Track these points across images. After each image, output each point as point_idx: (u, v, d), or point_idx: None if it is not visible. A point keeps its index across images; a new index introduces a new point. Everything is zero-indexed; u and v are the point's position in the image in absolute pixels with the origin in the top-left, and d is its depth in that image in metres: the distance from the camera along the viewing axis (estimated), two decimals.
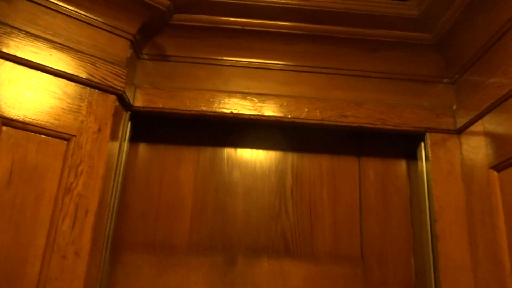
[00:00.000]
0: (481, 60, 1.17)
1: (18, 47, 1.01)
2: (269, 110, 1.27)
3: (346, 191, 1.37)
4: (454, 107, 1.30)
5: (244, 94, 1.29)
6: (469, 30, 1.18)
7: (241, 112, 1.27)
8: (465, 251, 1.16)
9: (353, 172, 1.39)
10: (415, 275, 1.29)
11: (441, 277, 1.14)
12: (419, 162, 1.31)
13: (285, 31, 1.30)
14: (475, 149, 1.17)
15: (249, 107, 1.27)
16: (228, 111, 1.26)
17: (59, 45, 1.07)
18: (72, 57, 1.08)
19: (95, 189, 1.04)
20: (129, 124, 1.27)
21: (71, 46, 1.09)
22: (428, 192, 1.25)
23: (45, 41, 1.05)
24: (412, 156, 1.36)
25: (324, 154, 1.40)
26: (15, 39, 1.01)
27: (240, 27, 1.30)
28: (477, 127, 1.17)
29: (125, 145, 1.26)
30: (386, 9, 1.24)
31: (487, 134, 1.12)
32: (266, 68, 1.33)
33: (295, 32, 1.30)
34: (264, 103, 1.28)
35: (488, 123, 1.12)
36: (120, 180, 1.23)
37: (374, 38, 1.31)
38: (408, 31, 1.29)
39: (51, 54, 1.05)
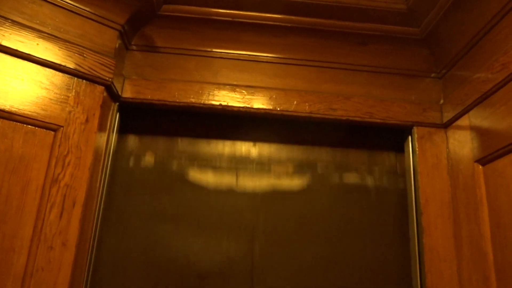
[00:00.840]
0: (468, 55, 1.19)
1: (4, 36, 0.99)
2: (258, 102, 1.27)
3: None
4: (441, 101, 1.32)
5: (233, 86, 1.29)
6: (456, 25, 1.19)
7: (230, 104, 1.27)
8: (450, 243, 1.19)
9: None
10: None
11: (426, 268, 1.17)
12: (406, 156, 1.33)
13: (274, 23, 1.30)
14: (461, 143, 1.19)
15: (238, 99, 1.27)
16: (217, 103, 1.26)
17: (46, 35, 1.06)
18: (59, 47, 1.07)
19: (83, 180, 1.03)
20: (117, 115, 1.27)
21: (58, 35, 1.08)
22: (414, 186, 1.27)
23: (31, 30, 1.04)
24: (400, 149, 1.38)
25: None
26: (1, 28, 0.99)
27: (230, 19, 1.30)
28: (463, 121, 1.19)
29: (113, 136, 1.26)
30: (374, 2, 1.24)
31: (473, 129, 1.14)
32: (255, 60, 1.33)
33: (284, 24, 1.31)
34: (253, 95, 1.28)
35: (474, 118, 1.14)
36: (108, 171, 1.23)
37: (363, 32, 1.32)
38: (396, 25, 1.30)
39: (38, 44, 1.04)
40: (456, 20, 1.18)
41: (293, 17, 1.30)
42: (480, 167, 1.11)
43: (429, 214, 1.21)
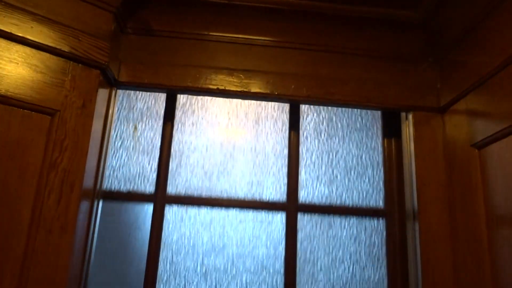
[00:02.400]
0: (466, 40, 1.19)
1: None
2: (256, 86, 1.27)
3: None
4: (438, 85, 1.32)
5: (231, 71, 1.28)
6: (455, 9, 1.18)
7: (227, 88, 1.26)
8: (445, 226, 1.20)
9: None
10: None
11: (421, 250, 1.18)
12: (403, 140, 1.33)
13: (271, 6, 1.29)
14: (457, 127, 1.20)
15: (236, 84, 1.26)
16: (215, 87, 1.26)
17: (40, 17, 1.04)
18: (54, 30, 1.05)
19: (81, 164, 1.03)
20: (114, 99, 1.26)
21: (52, 18, 1.06)
22: (411, 169, 1.28)
23: (25, 12, 1.02)
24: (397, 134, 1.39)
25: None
26: None
27: (226, 2, 1.28)
28: (460, 105, 1.19)
29: (110, 119, 1.25)
30: None
31: (470, 113, 1.14)
32: (252, 44, 1.32)
33: (281, 7, 1.29)
34: (250, 79, 1.27)
35: (471, 102, 1.14)
36: (106, 155, 1.22)
37: (361, 15, 1.31)
38: (394, 8, 1.29)
39: (32, 27, 1.02)
40: (454, 4, 1.18)
41: (290, 1, 1.29)
42: (476, 151, 1.11)
43: (425, 197, 1.22)
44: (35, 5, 1.05)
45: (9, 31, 0.99)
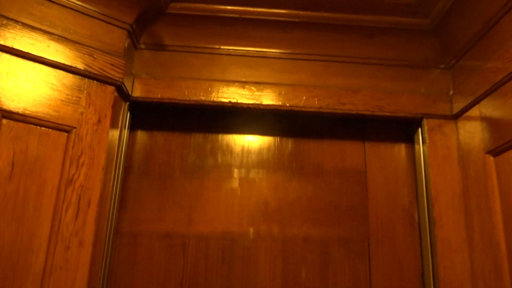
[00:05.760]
0: (478, 45, 1.18)
1: (15, 39, 1.00)
2: (268, 98, 1.28)
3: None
4: (451, 92, 1.31)
5: (242, 83, 1.29)
6: (466, 15, 1.18)
7: (239, 101, 1.27)
8: (462, 235, 1.19)
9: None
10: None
11: (438, 259, 1.17)
12: (416, 148, 1.33)
13: (281, 18, 1.30)
14: (472, 134, 1.19)
15: (248, 96, 1.27)
16: (227, 100, 1.27)
17: (56, 36, 1.07)
18: (69, 48, 1.08)
19: (97, 180, 1.05)
20: (129, 114, 1.28)
21: (68, 37, 1.09)
22: (425, 177, 1.27)
23: (41, 32, 1.05)
24: (410, 141, 1.38)
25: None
26: (12, 31, 1.00)
27: (237, 16, 1.30)
28: (474, 112, 1.18)
29: (125, 135, 1.27)
30: None
31: (484, 119, 1.13)
32: (263, 56, 1.33)
33: (291, 19, 1.31)
34: (262, 91, 1.28)
35: (485, 108, 1.13)
36: (121, 170, 1.24)
37: (370, 24, 1.31)
38: (404, 16, 1.30)
39: (48, 46, 1.05)
40: (465, 10, 1.17)
41: (300, 12, 1.30)
42: (491, 158, 1.10)
43: (440, 205, 1.21)
44: (51, 25, 1.07)
45: (26, 51, 1.01)
